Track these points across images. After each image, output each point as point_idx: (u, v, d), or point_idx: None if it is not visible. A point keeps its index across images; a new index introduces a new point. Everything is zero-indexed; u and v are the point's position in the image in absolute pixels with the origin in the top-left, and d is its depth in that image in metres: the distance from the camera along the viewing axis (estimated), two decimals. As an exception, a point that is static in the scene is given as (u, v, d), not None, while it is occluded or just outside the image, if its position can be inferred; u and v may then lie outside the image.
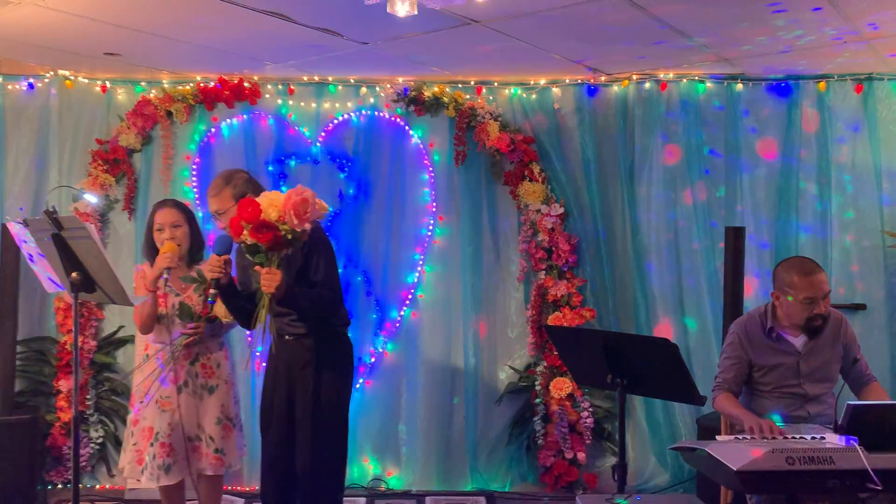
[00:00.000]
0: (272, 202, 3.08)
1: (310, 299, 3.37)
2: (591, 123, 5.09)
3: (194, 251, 3.79)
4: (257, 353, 5.05)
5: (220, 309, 3.60)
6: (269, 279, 3.15)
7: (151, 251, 3.71)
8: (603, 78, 5.03)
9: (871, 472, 2.49)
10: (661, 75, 4.97)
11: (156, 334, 3.69)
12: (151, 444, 3.61)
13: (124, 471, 3.74)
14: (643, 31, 3.94)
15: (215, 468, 3.70)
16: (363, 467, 5.11)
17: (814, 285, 3.29)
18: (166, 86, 5.08)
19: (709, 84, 4.99)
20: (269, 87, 5.11)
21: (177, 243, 3.67)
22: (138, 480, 3.69)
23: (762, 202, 4.98)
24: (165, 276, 3.48)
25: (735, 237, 4.48)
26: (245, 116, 5.12)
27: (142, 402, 3.68)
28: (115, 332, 5.06)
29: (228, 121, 5.12)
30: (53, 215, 2.89)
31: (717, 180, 5.01)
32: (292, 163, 5.13)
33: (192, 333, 3.64)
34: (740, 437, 3.01)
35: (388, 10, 3.11)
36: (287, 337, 3.59)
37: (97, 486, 5.01)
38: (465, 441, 5.09)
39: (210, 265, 3.42)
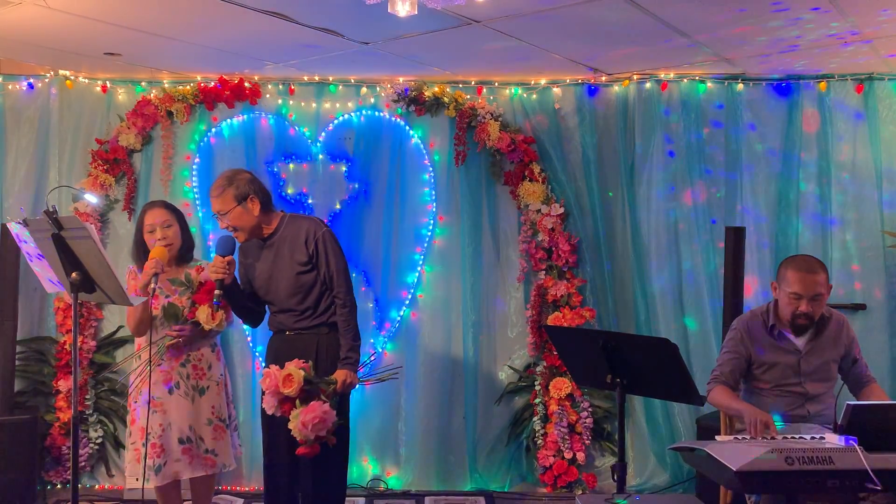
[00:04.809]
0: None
1: (354, 340, 3.58)
2: (591, 123, 5.08)
3: (185, 251, 3.80)
4: (257, 353, 5.07)
5: (202, 315, 3.62)
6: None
7: (141, 254, 3.72)
8: (603, 78, 5.03)
9: (871, 473, 2.49)
10: (662, 75, 4.97)
11: (148, 336, 3.69)
12: (144, 445, 3.64)
13: (126, 469, 3.80)
14: (644, 30, 3.94)
15: (206, 469, 3.72)
16: (362, 467, 5.11)
17: (804, 283, 3.30)
18: (166, 86, 5.08)
19: (709, 84, 4.99)
20: (269, 86, 5.11)
21: (167, 243, 3.70)
22: (137, 479, 3.71)
23: (762, 202, 4.98)
24: (153, 284, 3.48)
25: (735, 237, 4.48)
26: (245, 116, 5.12)
27: (136, 401, 3.71)
28: (115, 332, 5.06)
29: (228, 121, 5.12)
30: (53, 215, 2.89)
31: (717, 180, 5.01)
32: (292, 163, 5.13)
33: (175, 335, 3.66)
34: (739, 437, 3.01)
35: (389, 9, 3.11)
36: (288, 332, 3.62)
37: (96, 487, 5.01)
38: (464, 441, 5.09)
39: (214, 266, 3.46)
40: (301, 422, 3.26)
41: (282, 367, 3.47)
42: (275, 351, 3.67)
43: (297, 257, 3.54)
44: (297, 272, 3.54)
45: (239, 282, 3.70)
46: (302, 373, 3.31)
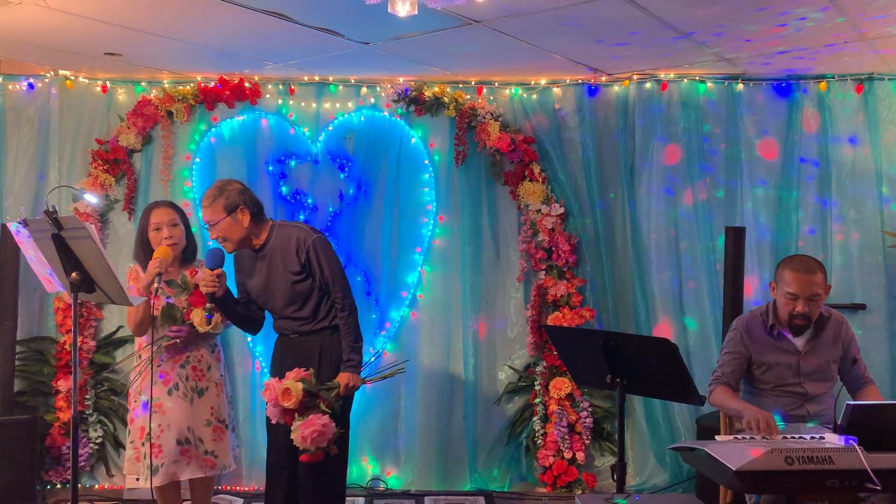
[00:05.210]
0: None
1: (355, 342, 3.58)
2: (591, 123, 5.09)
3: (188, 252, 3.81)
4: (257, 354, 5.07)
5: (195, 317, 3.63)
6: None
7: (144, 253, 3.72)
8: (604, 78, 5.03)
9: (871, 473, 2.49)
10: (662, 75, 4.97)
11: (148, 335, 3.70)
12: (143, 444, 3.65)
13: (125, 468, 3.82)
14: (643, 31, 3.94)
15: (206, 470, 3.72)
16: (362, 467, 5.11)
17: (800, 282, 3.30)
18: (167, 86, 5.08)
19: (709, 84, 4.99)
20: (269, 86, 5.11)
21: (174, 242, 3.71)
22: (137, 479, 3.74)
23: (762, 202, 4.98)
24: (157, 283, 3.49)
25: (735, 237, 4.48)
26: (245, 116, 5.12)
27: (136, 401, 3.72)
28: (115, 332, 5.06)
29: (229, 121, 5.11)
30: (53, 215, 2.89)
31: (717, 180, 5.01)
32: (292, 163, 5.13)
33: (172, 336, 3.67)
34: (739, 436, 3.01)
35: (389, 10, 3.11)
36: (292, 335, 3.62)
37: (96, 486, 5.01)
38: (464, 441, 5.09)
39: (204, 280, 3.47)
40: (300, 435, 3.31)
41: (285, 372, 3.48)
42: (280, 354, 3.69)
43: (289, 267, 3.54)
44: (291, 282, 3.54)
45: (235, 293, 3.70)
46: (300, 385, 3.33)
